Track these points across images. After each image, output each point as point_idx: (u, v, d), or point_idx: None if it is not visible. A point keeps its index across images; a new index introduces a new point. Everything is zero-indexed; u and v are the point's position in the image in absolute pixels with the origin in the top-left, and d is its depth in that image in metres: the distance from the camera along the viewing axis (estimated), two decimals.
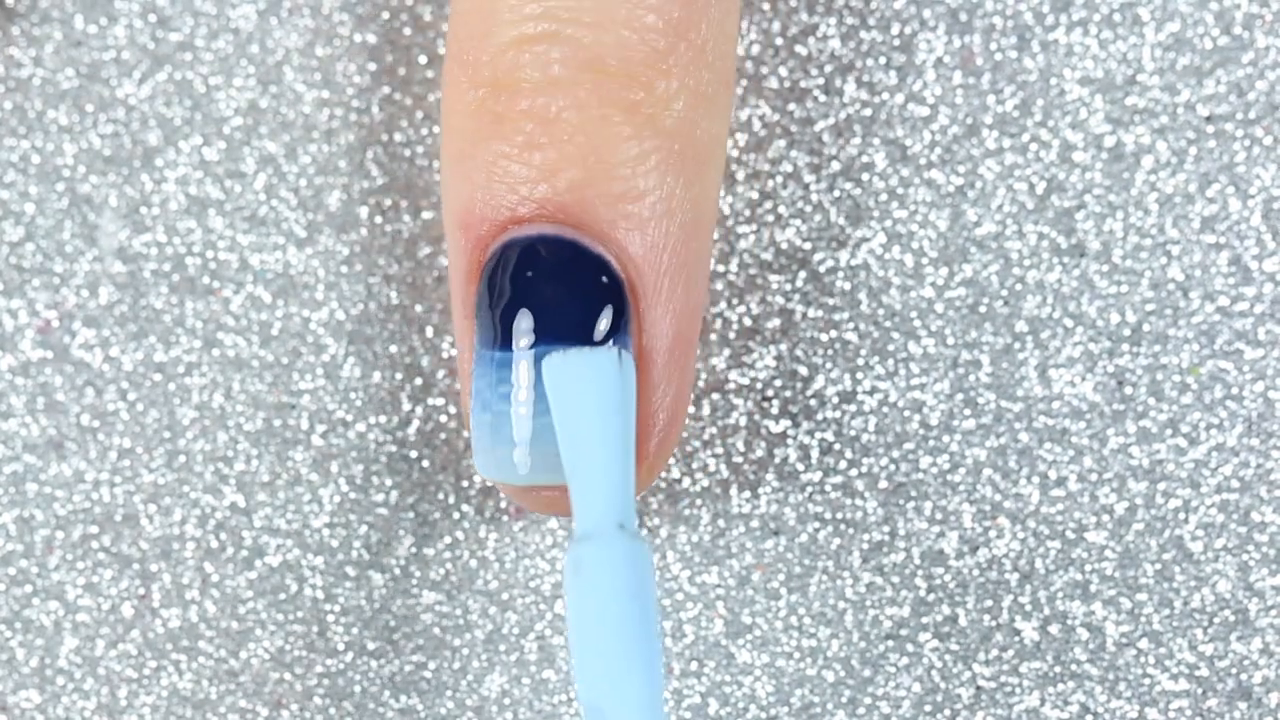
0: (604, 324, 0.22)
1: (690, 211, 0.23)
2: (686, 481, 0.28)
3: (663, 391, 0.23)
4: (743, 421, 0.28)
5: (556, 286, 0.22)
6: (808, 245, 0.28)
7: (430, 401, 0.28)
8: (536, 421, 0.22)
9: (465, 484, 0.28)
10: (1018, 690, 0.28)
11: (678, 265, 0.23)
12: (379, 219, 0.28)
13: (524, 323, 0.22)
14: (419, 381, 0.28)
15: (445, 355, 0.28)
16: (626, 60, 0.23)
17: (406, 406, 0.28)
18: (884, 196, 0.27)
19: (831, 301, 0.28)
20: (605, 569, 0.21)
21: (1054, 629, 0.28)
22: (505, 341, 0.22)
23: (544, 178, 0.23)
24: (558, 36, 0.22)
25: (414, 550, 0.28)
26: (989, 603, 0.28)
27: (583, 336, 0.22)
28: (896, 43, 0.27)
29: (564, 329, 0.22)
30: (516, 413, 0.22)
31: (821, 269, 0.28)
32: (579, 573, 0.21)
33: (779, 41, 0.27)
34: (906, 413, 0.28)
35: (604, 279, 0.23)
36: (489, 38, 0.23)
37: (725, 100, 0.24)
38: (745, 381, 0.28)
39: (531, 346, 0.22)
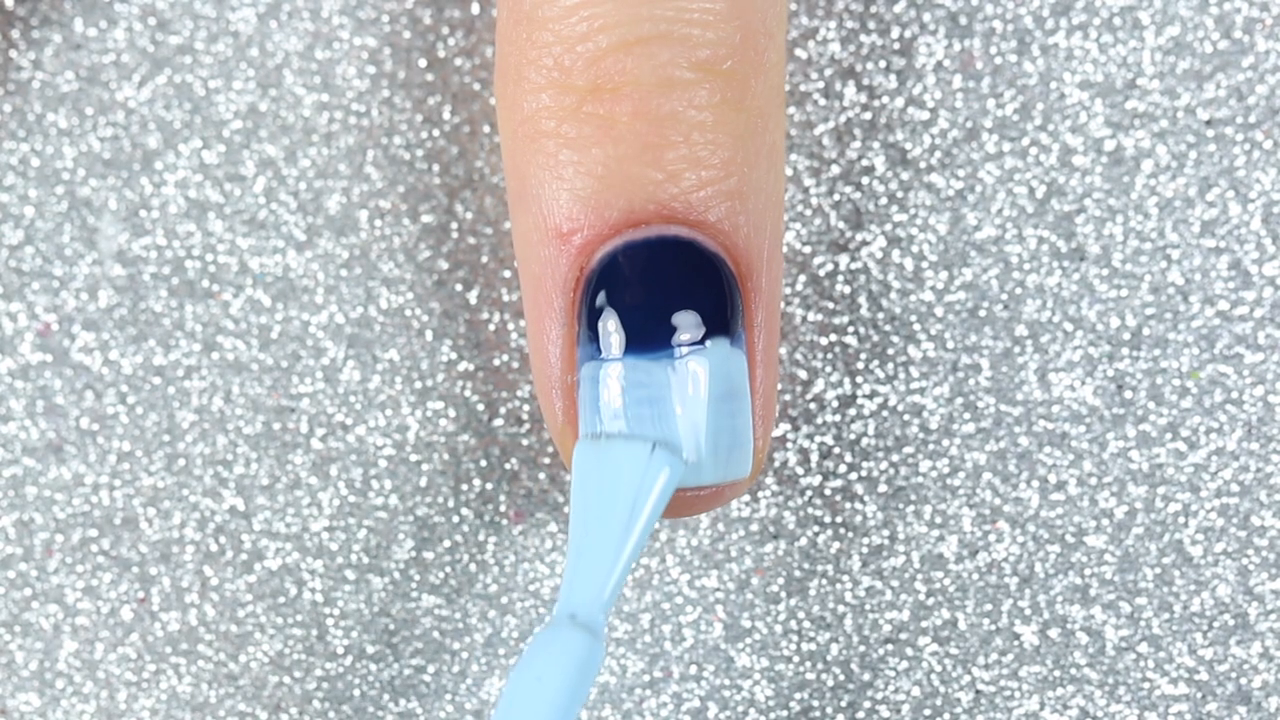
0: (701, 327, 0.22)
1: (779, 206, 0.24)
2: None
3: (766, 384, 0.23)
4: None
5: (643, 291, 0.22)
6: (807, 249, 0.28)
7: (430, 405, 0.28)
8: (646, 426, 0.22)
9: (465, 488, 0.28)
10: (1017, 694, 0.28)
11: (775, 260, 0.23)
12: (378, 222, 0.28)
13: (613, 327, 0.22)
14: (418, 385, 0.28)
15: (445, 359, 0.28)
16: (733, 58, 0.23)
17: (406, 410, 0.28)
18: (884, 200, 0.27)
19: (831, 305, 0.28)
20: (538, 654, 0.21)
21: (1053, 633, 0.28)
22: (599, 350, 0.22)
23: (665, 179, 0.22)
24: (667, 37, 0.22)
25: (413, 554, 0.28)
26: (988, 607, 0.28)
27: (666, 339, 0.22)
28: (896, 46, 0.27)
29: (658, 334, 0.22)
30: (609, 417, 0.22)
31: (821, 273, 0.28)
32: (524, 651, 0.21)
33: None
34: (906, 416, 0.28)
35: (701, 278, 0.22)
36: (584, 41, 0.22)
37: (785, 95, 0.24)
38: None
39: (631, 353, 0.22)
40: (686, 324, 0.22)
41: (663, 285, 0.22)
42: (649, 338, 0.22)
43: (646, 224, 0.23)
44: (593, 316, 0.23)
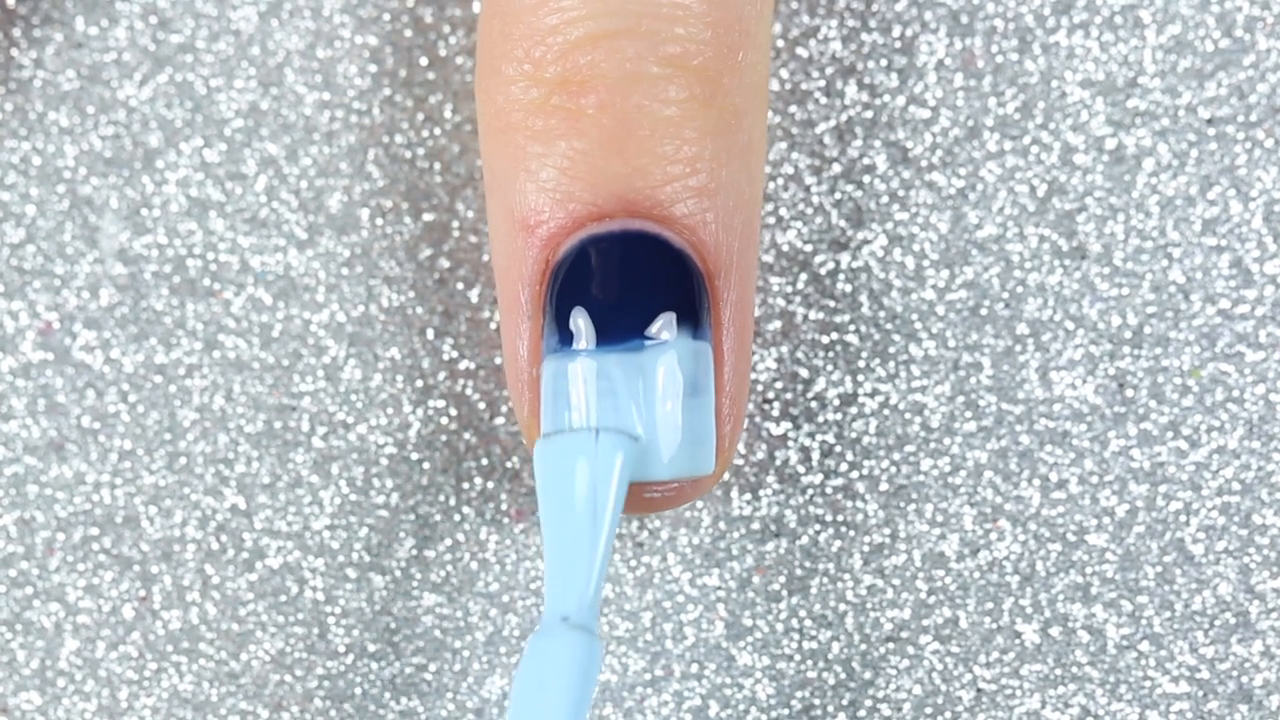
0: (664, 322, 0.22)
1: (753, 204, 0.23)
2: None
3: (735, 383, 0.23)
4: (744, 423, 0.28)
5: (607, 285, 0.22)
6: (809, 247, 0.28)
7: (431, 404, 0.28)
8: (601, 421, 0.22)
9: (466, 486, 0.28)
10: (1018, 693, 0.28)
11: (746, 258, 0.23)
12: (380, 221, 0.28)
13: (582, 323, 0.22)
14: (420, 384, 0.28)
15: (446, 357, 0.28)
16: (703, 55, 0.23)
17: (407, 408, 0.28)
18: (885, 199, 0.27)
19: (832, 304, 0.28)
20: (538, 661, 0.21)
21: (1055, 631, 0.28)
22: (563, 342, 0.22)
23: (630, 173, 0.22)
24: (635, 32, 0.22)
25: (415, 552, 0.28)
26: (990, 605, 0.28)
27: (640, 333, 0.22)
28: (898, 45, 0.27)
29: (622, 328, 0.22)
30: (574, 416, 0.22)
31: (822, 271, 0.28)
32: (522, 659, 0.21)
33: (780, 44, 0.27)
34: (907, 415, 0.28)
35: (667, 273, 0.22)
36: (554, 34, 0.23)
37: (767, 95, 0.24)
38: None
39: (595, 347, 0.22)
40: (649, 319, 0.22)
41: (628, 280, 0.22)
42: (613, 332, 0.22)
43: (611, 217, 0.23)
44: (558, 310, 0.22)
